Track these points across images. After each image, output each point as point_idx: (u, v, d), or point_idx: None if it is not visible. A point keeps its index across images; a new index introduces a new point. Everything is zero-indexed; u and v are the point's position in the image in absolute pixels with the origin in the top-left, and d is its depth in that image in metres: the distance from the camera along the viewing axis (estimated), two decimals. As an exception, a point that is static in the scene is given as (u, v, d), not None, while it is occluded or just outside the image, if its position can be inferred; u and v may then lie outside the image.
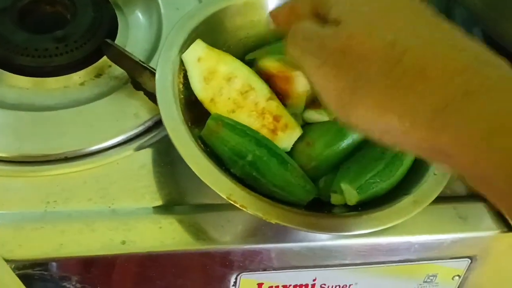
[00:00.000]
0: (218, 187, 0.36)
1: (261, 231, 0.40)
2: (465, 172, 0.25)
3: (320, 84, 0.29)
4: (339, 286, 0.43)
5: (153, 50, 0.49)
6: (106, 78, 0.48)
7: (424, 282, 0.45)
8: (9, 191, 0.39)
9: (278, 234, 0.40)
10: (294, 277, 0.42)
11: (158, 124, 0.44)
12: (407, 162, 0.41)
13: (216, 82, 0.40)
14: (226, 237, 0.40)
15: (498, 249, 0.45)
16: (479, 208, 0.45)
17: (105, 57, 0.48)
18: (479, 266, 0.46)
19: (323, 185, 0.41)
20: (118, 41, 0.49)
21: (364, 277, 0.44)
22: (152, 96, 0.44)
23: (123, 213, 0.39)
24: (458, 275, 0.46)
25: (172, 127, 0.38)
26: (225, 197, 0.36)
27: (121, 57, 0.46)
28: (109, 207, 0.40)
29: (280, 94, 0.41)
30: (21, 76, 0.46)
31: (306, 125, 0.42)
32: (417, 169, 0.41)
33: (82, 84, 0.47)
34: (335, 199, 0.40)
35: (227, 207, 0.40)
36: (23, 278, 0.36)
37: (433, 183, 0.41)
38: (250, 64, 0.43)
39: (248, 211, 0.36)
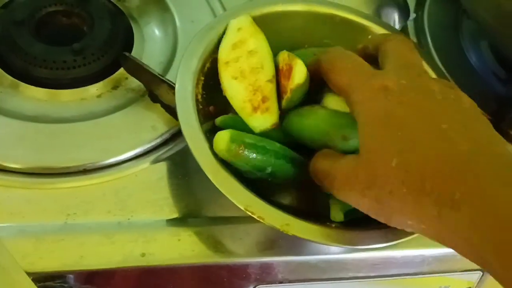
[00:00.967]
0: (236, 198, 0.36)
1: (278, 243, 0.40)
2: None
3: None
4: (354, 298, 0.44)
5: (169, 62, 0.49)
6: (122, 90, 0.48)
7: (437, 293, 0.46)
8: (30, 203, 0.39)
9: (295, 247, 0.41)
10: (310, 289, 0.42)
11: (175, 136, 0.45)
12: None
13: (239, 50, 0.42)
14: (244, 250, 0.40)
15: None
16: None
17: (122, 69, 0.48)
18: (491, 278, 0.46)
19: None
20: (134, 53, 0.50)
21: (378, 290, 0.44)
22: (169, 109, 0.45)
23: (142, 225, 0.40)
24: (470, 287, 0.46)
25: (192, 137, 0.38)
26: (242, 208, 0.36)
27: (138, 70, 0.46)
28: (128, 219, 0.40)
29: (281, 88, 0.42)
30: (39, 88, 0.46)
31: (340, 116, 0.41)
32: None
33: (99, 96, 0.47)
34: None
35: (245, 219, 0.41)
36: (44, 290, 0.36)
37: None
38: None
39: (266, 223, 0.36)
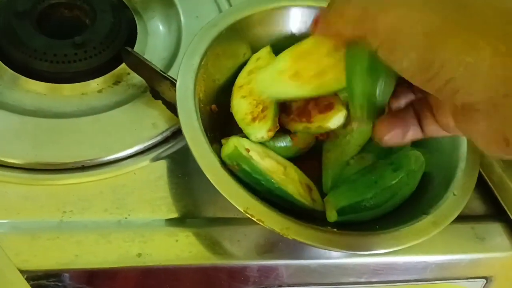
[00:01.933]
0: (235, 199, 0.36)
1: (277, 247, 0.40)
2: None
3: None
4: (354, 304, 0.43)
5: (172, 58, 0.49)
6: (124, 85, 0.47)
7: (440, 301, 0.45)
8: (26, 200, 0.39)
9: (295, 250, 0.40)
10: (309, 294, 0.42)
11: (176, 134, 0.44)
12: (400, 196, 0.40)
13: (253, 75, 0.42)
14: (243, 252, 0.39)
15: (514, 270, 0.45)
16: (496, 228, 0.44)
17: (123, 64, 0.47)
18: (494, 286, 0.45)
19: None
20: (137, 48, 0.49)
21: (379, 296, 0.44)
22: (170, 106, 0.44)
23: (139, 224, 0.39)
24: (474, 296, 0.45)
25: (192, 136, 0.37)
26: (242, 210, 0.35)
27: (140, 66, 0.45)
28: (126, 218, 0.39)
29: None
30: (39, 82, 0.46)
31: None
32: (436, 189, 0.41)
33: (100, 91, 0.46)
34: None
35: (244, 221, 0.40)
36: (37, 289, 0.35)
37: (452, 203, 0.40)
38: None
39: (265, 226, 0.35)
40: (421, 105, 0.34)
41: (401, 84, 0.33)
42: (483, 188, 0.46)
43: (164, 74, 0.44)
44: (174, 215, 0.40)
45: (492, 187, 0.45)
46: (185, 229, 0.39)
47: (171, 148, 0.43)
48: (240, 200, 0.36)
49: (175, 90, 0.42)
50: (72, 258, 0.37)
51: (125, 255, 0.37)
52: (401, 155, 0.40)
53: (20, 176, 0.40)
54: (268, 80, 0.37)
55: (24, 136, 0.42)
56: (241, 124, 0.40)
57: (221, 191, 0.36)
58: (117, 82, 0.47)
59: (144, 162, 0.42)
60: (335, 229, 0.37)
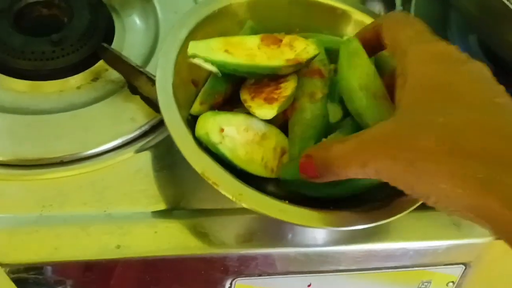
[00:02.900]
0: (195, 162, 0.35)
1: (256, 236, 0.40)
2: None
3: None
4: (334, 291, 0.43)
5: (150, 54, 0.49)
6: (102, 82, 0.47)
7: (419, 288, 0.45)
8: (4, 195, 0.39)
9: (274, 239, 0.40)
10: (289, 282, 0.42)
11: (154, 128, 0.44)
12: None
13: None
14: (222, 242, 0.40)
15: (492, 256, 0.45)
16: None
17: (101, 61, 0.48)
18: (473, 272, 0.46)
19: None
20: (115, 44, 0.49)
21: (359, 283, 0.44)
22: (148, 101, 0.44)
23: (118, 217, 0.39)
24: (453, 281, 0.46)
25: (166, 107, 0.38)
26: (199, 173, 0.35)
27: (117, 62, 0.46)
28: (105, 211, 0.39)
29: None
30: (17, 80, 0.46)
31: None
32: None
33: (78, 88, 0.47)
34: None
35: (223, 212, 0.40)
36: (17, 282, 0.36)
37: None
38: None
39: (220, 190, 0.35)
40: None
41: None
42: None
43: (141, 70, 0.44)
44: (154, 207, 0.40)
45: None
46: (164, 220, 0.40)
47: (150, 142, 0.44)
48: (199, 163, 0.36)
49: (152, 85, 0.43)
50: (51, 251, 0.37)
51: (105, 247, 0.38)
52: None
53: (-1, 172, 0.40)
54: (199, 46, 0.38)
55: (2, 133, 0.42)
56: None
57: (182, 152, 0.36)
58: (95, 79, 0.48)
59: (123, 156, 0.42)
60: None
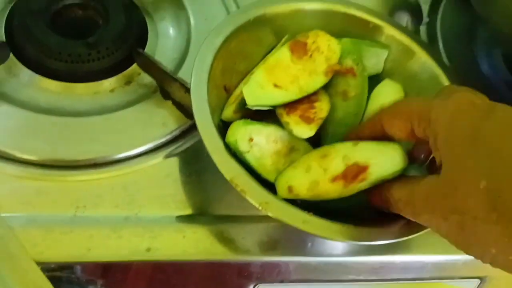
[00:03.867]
0: (224, 169, 0.37)
1: (280, 244, 0.41)
2: None
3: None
4: (353, 300, 0.45)
5: (182, 59, 0.50)
6: (135, 86, 0.49)
7: (435, 300, 0.46)
8: (41, 194, 0.40)
9: (297, 247, 0.41)
10: (309, 290, 0.43)
11: (185, 133, 0.45)
12: None
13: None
14: (247, 249, 0.41)
15: (507, 271, 0.46)
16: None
17: (135, 65, 0.49)
18: (488, 286, 0.47)
19: None
20: (148, 49, 0.50)
21: (377, 293, 0.45)
22: (180, 106, 0.46)
23: (148, 220, 0.41)
24: (468, 295, 0.47)
25: (199, 110, 0.39)
26: (228, 179, 0.36)
27: (151, 67, 0.47)
28: (136, 214, 0.41)
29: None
30: (53, 80, 0.47)
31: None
32: None
33: (112, 91, 0.48)
34: None
35: (249, 219, 0.42)
36: (52, 279, 0.37)
37: None
38: None
39: (247, 198, 0.36)
40: None
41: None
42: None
43: (174, 76, 0.45)
44: (182, 212, 0.42)
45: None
46: (192, 225, 0.41)
47: (180, 147, 0.45)
48: (228, 170, 0.37)
49: (184, 92, 0.44)
50: (84, 251, 0.38)
51: (135, 250, 0.39)
52: None
53: (35, 171, 0.41)
54: (255, 93, 0.40)
55: (39, 133, 0.43)
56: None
57: (213, 158, 0.37)
58: (128, 82, 0.49)
59: (154, 160, 0.44)
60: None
